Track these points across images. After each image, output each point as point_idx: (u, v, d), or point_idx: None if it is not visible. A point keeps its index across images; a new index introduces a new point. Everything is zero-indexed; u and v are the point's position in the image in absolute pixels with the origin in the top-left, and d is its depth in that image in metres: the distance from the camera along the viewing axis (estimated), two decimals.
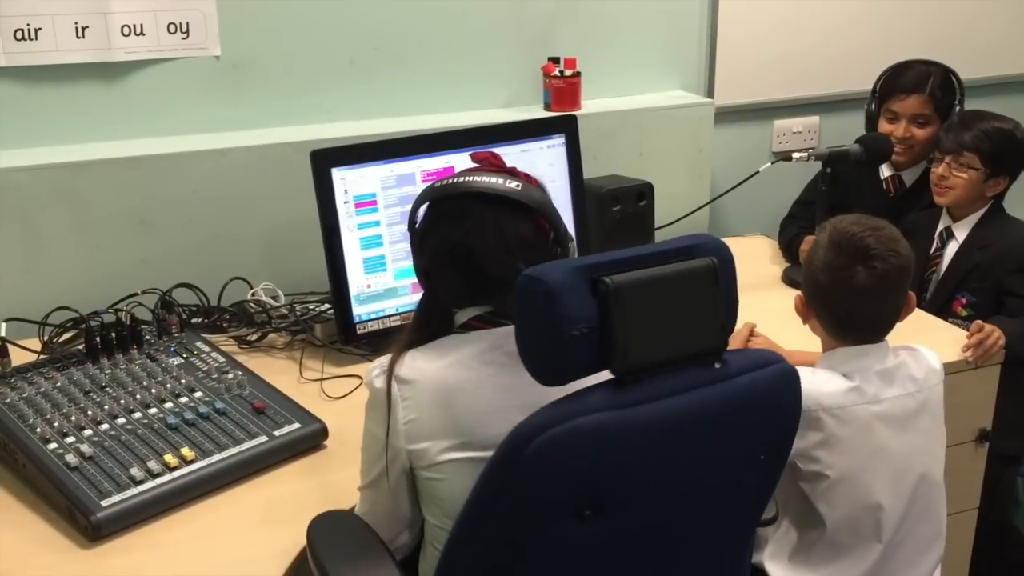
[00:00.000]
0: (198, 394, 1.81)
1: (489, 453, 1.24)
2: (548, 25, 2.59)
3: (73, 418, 1.71)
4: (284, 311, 2.20)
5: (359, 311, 2.09)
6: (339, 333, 2.09)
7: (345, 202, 2.05)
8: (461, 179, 1.44)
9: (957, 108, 2.50)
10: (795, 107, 2.95)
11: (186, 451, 1.66)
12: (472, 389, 1.36)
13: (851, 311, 1.71)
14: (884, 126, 2.55)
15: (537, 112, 2.57)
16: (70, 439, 1.67)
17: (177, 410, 1.76)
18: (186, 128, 2.34)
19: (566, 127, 2.26)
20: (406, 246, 2.09)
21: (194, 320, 2.15)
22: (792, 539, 1.75)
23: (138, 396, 1.79)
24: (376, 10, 2.42)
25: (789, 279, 2.46)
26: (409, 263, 2.10)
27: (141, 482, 1.59)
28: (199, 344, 1.97)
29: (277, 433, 1.74)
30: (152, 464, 1.62)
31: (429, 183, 1.51)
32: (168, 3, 2.25)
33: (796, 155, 2.37)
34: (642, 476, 1.25)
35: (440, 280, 1.47)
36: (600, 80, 2.65)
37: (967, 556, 2.24)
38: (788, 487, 1.75)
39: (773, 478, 1.43)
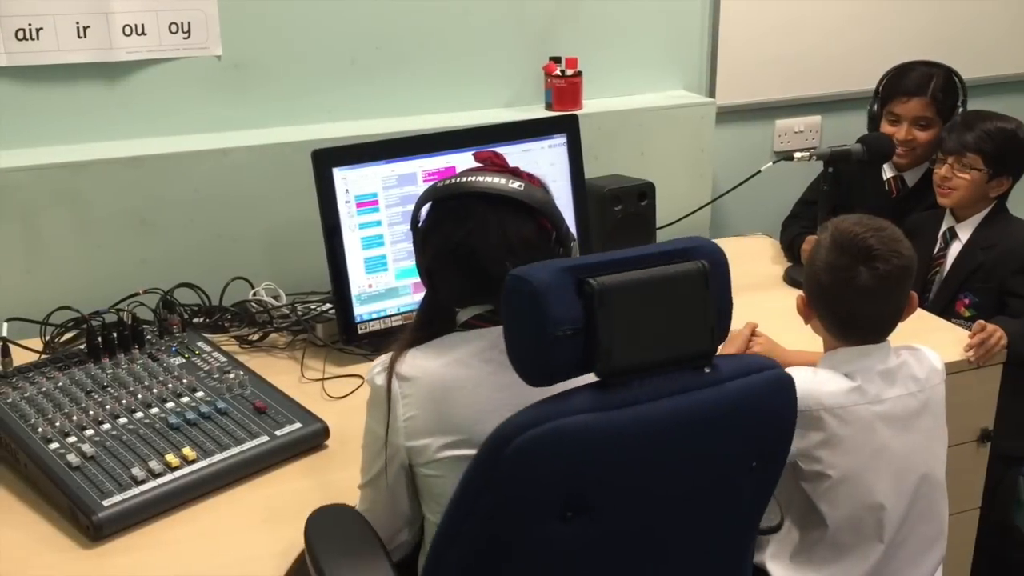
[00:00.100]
0: (199, 394, 1.81)
1: None
2: (549, 25, 2.59)
3: (75, 418, 1.71)
4: (285, 311, 2.20)
5: (360, 311, 2.09)
6: (340, 333, 2.09)
7: (346, 202, 2.05)
8: (464, 179, 1.44)
9: (960, 109, 2.50)
10: (797, 107, 2.95)
11: (187, 451, 1.66)
12: (471, 387, 1.36)
13: (853, 311, 1.71)
14: (886, 128, 2.54)
15: (538, 112, 2.57)
16: (72, 439, 1.67)
17: (178, 410, 1.76)
18: (187, 128, 2.34)
19: (567, 127, 2.26)
20: (407, 246, 2.10)
21: (195, 320, 2.15)
22: (794, 539, 1.75)
23: (139, 396, 1.79)
24: (377, 10, 2.42)
25: (791, 279, 2.46)
26: (410, 263, 2.11)
27: (143, 482, 1.59)
28: (200, 344, 1.97)
29: (278, 433, 1.74)
30: (153, 464, 1.62)
31: (432, 183, 1.51)
32: (169, 3, 2.25)
33: (798, 155, 2.37)
34: (627, 479, 1.24)
35: (442, 280, 1.47)
36: (601, 80, 2.65)
37: (969, 556, 2.24)
38: (790, 487, 1.75)
39: (767, 486, 1.40)
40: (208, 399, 1.80)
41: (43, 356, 1.96)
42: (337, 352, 2.09)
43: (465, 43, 2.52)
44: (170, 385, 1.82)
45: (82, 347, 1.91)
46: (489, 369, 1.37)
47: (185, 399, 1.79)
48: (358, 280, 2.08)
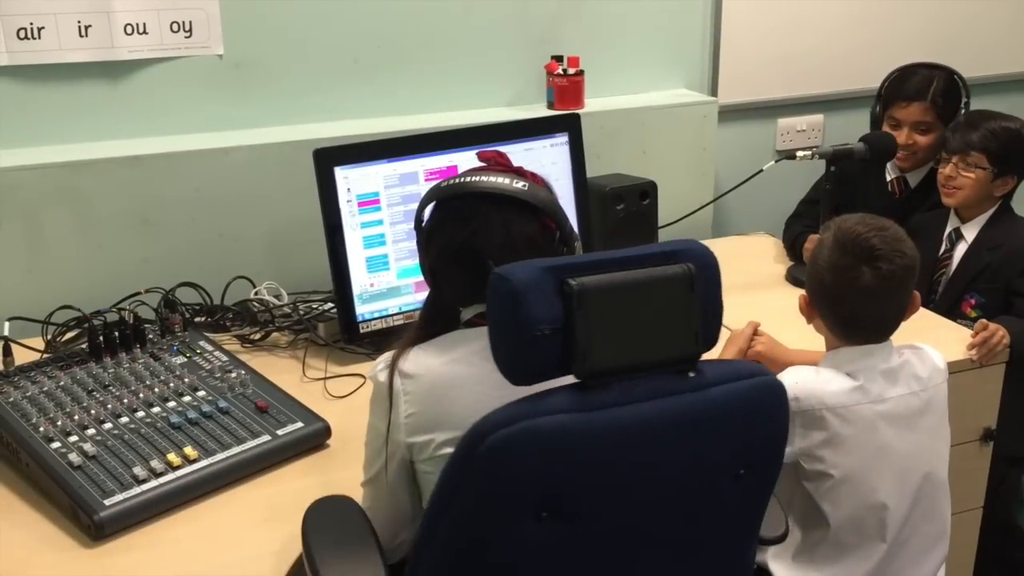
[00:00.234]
0: (201, 393, 1.81)
1: None
2: (551, 23, 2.58)
3: (76, 417, 1.71)
4: (287, 310, 2.20)
5: (362, 310, 2.08)
6: (342, 332, 2.09)
7: (348, 201, 2.05)
8: (468, 179, 1.44)
9: (962, 111, 2.49)
10: (799, 105, 2.94)
11: (189, 450, 1.66)
12: (471, 384, 1.36)
13: (856, 311, 1.71)
14: (887, 131, 2.54)
15: (540, 111, 2.56)
16: (73, 438, 1.67)
17: (180, 409, 1.76)
18: (189, 127, 2.34)
19: (569, 126, 2.25)
20: (409, 245, 2.10)
21: (197, 319, 2.15)
22: (796, 538, 1.74)
23: (141, 395, 1.79)
24: (379, 9, 2.42)
25: (793, 278, 2.46)
26: (412, 262, 2.11)
27: (144, 481, 1.59)
28: (202, 343, 1.97)
29: (280, 432, 1.74)
30: (155, 463, 1.62)
31: (436, 182, 1.51)
32: (171, 2, 2.25)
33: (800, 153, 2.36)
34: (605, 481, 1.23)
35: (446, 279, 1.47)
36: (603, 78, 2.64)
37: (971, 555, 2.24)
38: (792, 487, 1.74)
39: (759, 494, 1.38)
40: (210, 398, 1.80)
41: (45, 355, 1.96)
42: (339, 351, 2.09)
43: (467, 42, 2.52)
44: (172, 384, 1.82)
45: (84, 346, 1.91)
46: (490, 367, 1.36)
47: (187, 398, 1.79)
48: (360, 279, 2.07)
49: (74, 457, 1.62)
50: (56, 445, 1.64)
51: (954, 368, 1.93)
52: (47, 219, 2.17)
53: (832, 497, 1.70)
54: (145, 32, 2.25)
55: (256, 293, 2.23)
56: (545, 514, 1.21)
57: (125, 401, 1.76)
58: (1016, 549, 2.39)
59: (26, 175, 2.14)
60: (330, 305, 2.18)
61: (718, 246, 2.86)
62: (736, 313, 2.12)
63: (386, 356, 1.44)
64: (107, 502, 1.54)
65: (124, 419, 1.72)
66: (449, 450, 1.36)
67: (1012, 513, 2.38)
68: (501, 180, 1.42)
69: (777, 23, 2.81)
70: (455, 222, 1.44)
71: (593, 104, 2.60)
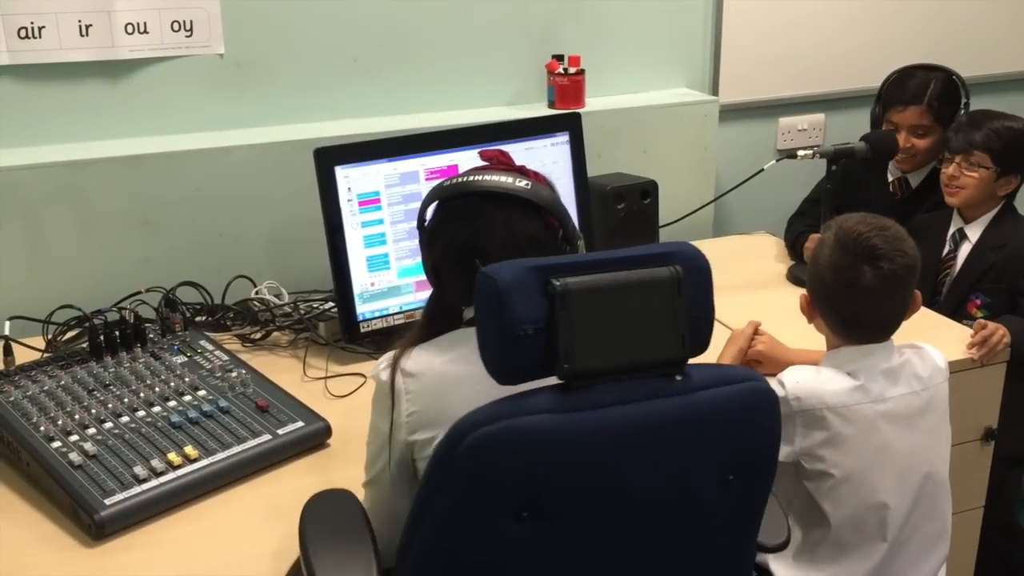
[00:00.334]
0: (202, 392, 1.81)
1: None
2: (552, 22, 2.58)
3: (77, 416, 1.71)
4: (288, 309, 2.20)
5: (363, 309, 2.08)
6: (343, 331, 2.09)
7: (349, 200, 2.05)
8: (470, 178, 1.44)
9: (962, 112, 2.48)
10: (800, 104, 2.94)
11: (189, 449, 1.66)
12: (473, 383, 1.36)
13: (857, 311, 1.71)
14: None
15: (541, 110, 2.56)
16: (74, 437, 1.67)
17: (181, 408, 1.76)
18: (190, 126, 2.34)
19: (570, 125, 2.25)
20: (410, 244, 2.10)
21: (198, 318, 2.14)
22: (797, 538, 1.74)
23: (142, 394, 1.79)
24: (380, 8, 2.42)
25: (794, 277, 2.46)
26: (412, 261, 2.11)
27: (145, 480, 1.59)
28: (203, 342, 1.96)
29: (280, 432, 1.73)
30: (156, 462, 1.62)
31: (438, 181, 1.51)
32: (172, 1, 2.25)
33: (801, 153, 2.36)
34: (586, 482, 1.23)
35: (449, 278, 1.47)
36: (604, 78, 2.64)
37: (972, 555, 2.24)
38: (792, 486, 1.74)
39: (751, 500, 1.36)
40: (210, 398, 1.80)
41: (45, 355, 1.96)
42: (339, 351, 2.09)
43: (468, 41, 2.52)
44: (172, 383, 1.82)
45: (84, 346, 1.91)
46: None
47: (187, 397, 1.79)
48: (360, 278, 2.07)
49: (75, 456, 1.62)
50: (57, 444, 1.64)
51: (955, 367, 1.92)
52: (48, 218, 2.17)
53: (833, 497, 1.70)
54: (146, 31, 2.25)
55: (257, 292, 2.23)
56: (526, 514, 1.21)
57: (126, 400, 1.76)
58: (1017, 549, 2.39)
59: (27, 174, 2.14)
60: (331, 304, 2.18)
61: (719, 245, 2.88)
62: (737, 312, 2.13)
63: (389, 355, 1.44)
64: (108, 501, 1.54)
65: (125, 418, 1.72)
66: None
67: (1013, 513, 2.38)
68: (504, 179, 1.42)
69: (778, 22, 2.81)
70: (458, 221, 1.44)
71: (594, 103, 2.60)
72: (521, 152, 2.14)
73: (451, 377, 1.38)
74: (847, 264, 1.68)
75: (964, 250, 2.38)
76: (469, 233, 1.42)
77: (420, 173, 2.11)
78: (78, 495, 1.55)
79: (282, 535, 1.51)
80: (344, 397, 1.93)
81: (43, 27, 2.16)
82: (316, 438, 1.76)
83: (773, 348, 1.98)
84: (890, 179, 2.62)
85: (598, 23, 2.63)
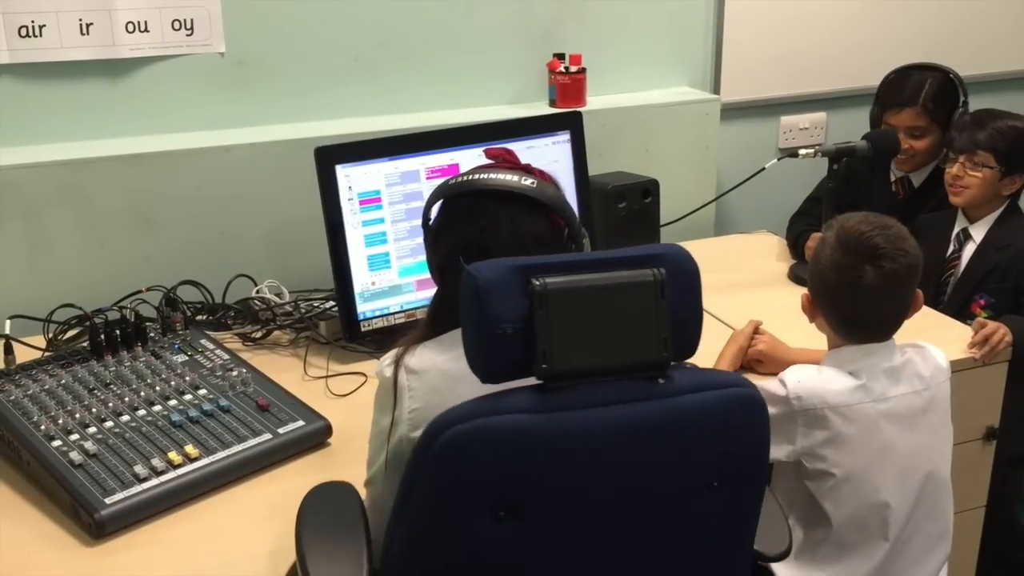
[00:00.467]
0: (202, 391, 1.81)
1: None
2: (553, 21, 2.58)
3: (77, 415, 1.71)
4: (288, 308, 2.20)
5: (363, 308, 2.08)
6: (343, 330, 2.09)
7: (349, 199, 2.04)
8: (476, 176, 1.44)
9: (960, 111, 2.48)
10: (802, 103, 2.94)
11: (190, 448, 1.65)
12: (474, 381, 1.35)
13: (858, 310, 1.70)
14: None
15: (542, 108, 2.56)
16: (74, 436, 1.66)
17: (181, 407, 1.76)
18: (190, 125, 2.34)
19: (571, 123, 2.25)
20: (410, 243, 2.10)
21: (198, 317, 2.14)
22: (798, 538, 1.74)
23: (142, 393, 1.78)
24: (380, 7, 2.41)
25: (795, 276, 2.45)
26: (413, 260, 2.11)
27: (145, 479, 1.59)
28: (203, 341, 1.96)
29: (281, 431, 1.73)
30: (156, 462, 1.62)
31: (444, 179, 1.50)
32: (173, 0, 2.24)
33: (803, 151, 2.36)
34: (565, 483, 1.22)
35: (454, 277, 1.46)
36: (605, 76, 2.64)
37: (974, 554, 2.24)
38: (794, 485, 1.74)
39: (741, 507, 1.34)
40: (211, 396, 1.80)
41: (46, 353, 1.96)
42: (340, 350, 2.09)
43: (469, 40, 2.52)
44: (173, 382, 1.82)
45: (85, 344, 1.91)
46: None
47: (188, 396, 1.79)
48: (361, 277, 2.07)
49: (75, 455, 1.61)
50: (57, 443, 1.64)
51: (957, 367, 1.92)
52: (48, 217, 2.17)
53: (834, 496, 1.70)
54: (147, 30, 2.24)
55: (257, 291, 2.23)
56: (503, 513, 1.20)
57: (126, 399, 1.76)
58: (1018, 549, 2.38)
59: (27, 173, 2.14)
60: (331, 303, 2.18)
61: (720, 244, 2.88)
62: (738, 311, 2.13)
63: (393, 352, 1.44)
64: (108, 500, 1.54)
65: (125, 417, 1.72)
66: None
67: (1014, 513, 2.38)
68: (509, 177, 1.42)
69: (779, 21, 2.81)
70: (464, 219, 1.44)
71: (595, 102, 2.59)
72: (522, 151, 2.11)
73: (454, 375, 1.38)
74: (849, 263, 1.67)
75: (968, 250, 2.37)
76: (475, 231, 1.42)
77: (421, 172, 2.11)
78: (78, 494, 1.54)
79: (282, 534, 1.51)
80: (345, 396, 1.93)
81: (44, 26, 2.16)
82: (317, 437, 1.76)
83: (774, 347, 1.97)
84: (892, 179, 2.61)
85: (599, 22, 2.62)
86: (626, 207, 2.34)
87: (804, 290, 1.81)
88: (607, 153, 2.52)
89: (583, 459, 1.21)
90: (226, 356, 1.92)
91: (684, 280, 1.25)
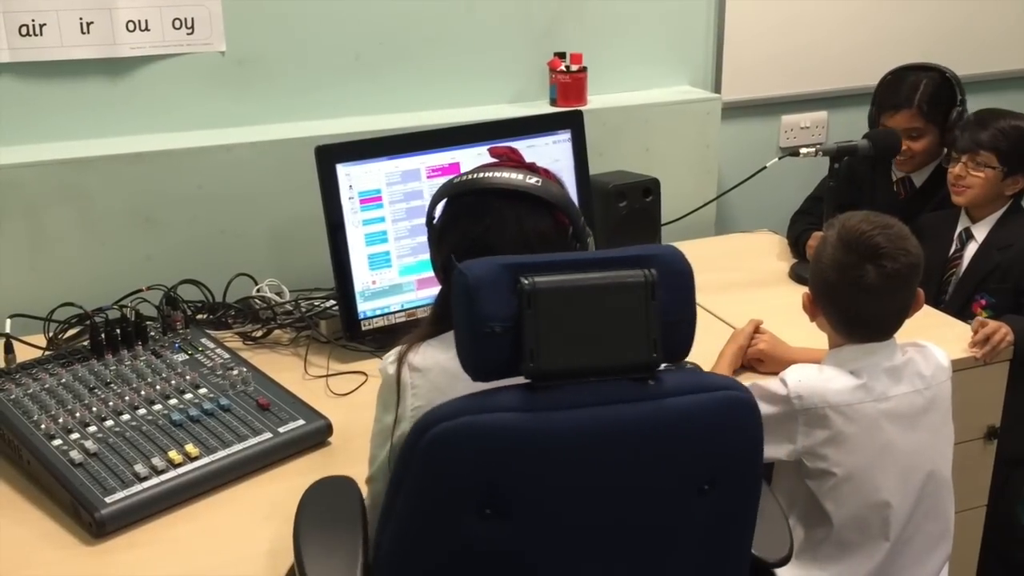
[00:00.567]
0: (202, 390, 1.81)
1: None
2: (554, 20, 2.58)
3: (77, 414, 1.71)
4: (289, 307, 2.20)
5: (364, 307, 2.08)
6: (344, 329, 2.09)
7: (350, 198, 2.04)
8: (481, 175, 1.44)
9: (957, 110, 2.47)
10: (803, 102, 2.93)
11: (190, 448, 1.65)
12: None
13: (860, 310, 1.70)
14: None
15: (543, 107, 2.56)
16: (74, 435, 1.66)
17: (181, 406, 1.76)
18: (191, 124, 2.34)
19: (572, 122, 2.25)
20: (411, 242, 2.10)
21: (199, 316, 2.14)
22: (799, 537, 1.74)
23: (143, 392, 1.78)
24: (381, 6, 2.41)
25: (796, 275, 2.45)
26: (414, 259, 2.11)
27: (145, 479, 1.59)
28: (204, 340, 1.96)
29: (282, 430, 1.73)
30: (156, 461, 1.62)
31: (448, 178, 1.50)
32: None
33: (804, 150, 2.35)
34: (552, 483, 1.22)
35: None
36: (606, 75, 2.64)
37: (975, 554, 2.23)
38: (795, 485, 1.74)
39: (733, 511, 1.32)
40: (211, 396, 1.80)
41: (47, 352, 1.96)
42: (340, 349, 2.09)
43: (469, 38, 2.51)
44: (173, 382, 1.82)
45: (85, 343, 1.91)
46: None
47: (188, 396, 1.79)
48: (362, 276, 2.07)
49: (75, 454, 1.61)
50: (57, 442, 1.64)
51: (958, 366, 1.92)
52: (49, 216, 2.17)
53: (835, 496, 1.69)
54: (147, 29, 2.24)
55: (258, 290, 2.23)
56: (489, 511, 1.20)
57: (127, 398, 1.76)
58: (1019, 549, 2.38)
59: (28, 172, 2.14)
60: (332, 302, 2.18)
61: (721, 243, 2.88)
62: (739, 311, 2.13)
63: (397, 349, 1.44)
64: (108, 499, 1.54)
65: (125, 416, 1.72)
66: None
67: (1015, 512, 2.38)
68: (514, 176, 1.42)
69: (780, 20, 2.80)
70: (468, 218, 1.44)
71: (596, 101, 2.59)
72: (523, 150, 2.09)
73: (456, 373, 1.37)
74: (850, 263, 1.67)
75: (970, 249, 2.37)
76: (479, 230, 1.42)
77: (422, 171, 2.10)
78: (79, 493, 1.54)
79: (283, 533, 1.51)
80: (345, 395, 1.93)
81: (44, 24, 2.16)
82: (317, 436, 1.76)
83: (775, 347, 1.97)
84: (893, 179, 2.61)
85: (600, 21, 2.62)
86: (627, 206, 2.34)
87: (805, 289, 1.80)
88: (608, 152, 2.52)
89: (570, 459, 1.21)
90: (226, 355, 1.92)
91: (677, 281, 1.24)
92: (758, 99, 2.87)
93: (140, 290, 2.09)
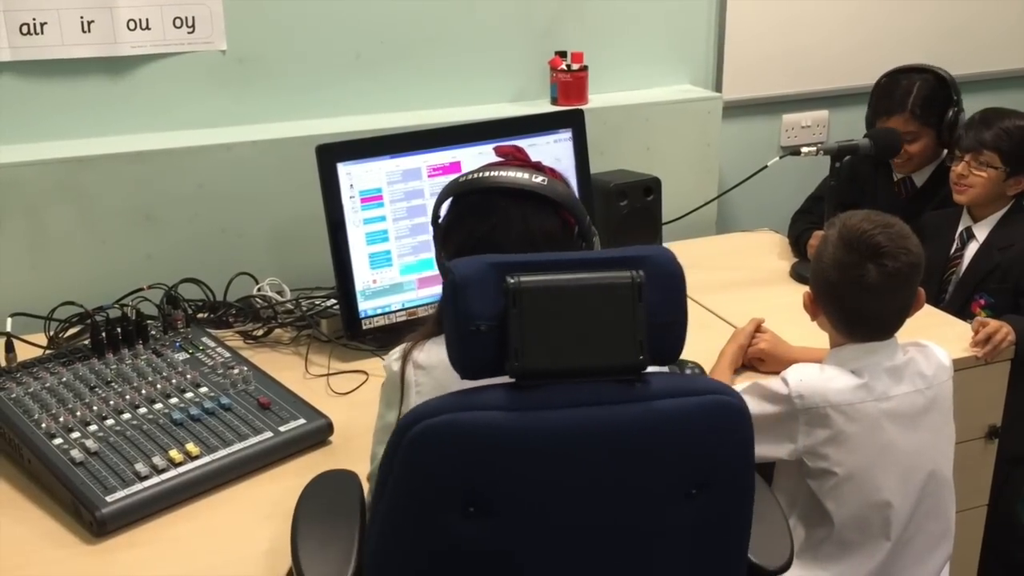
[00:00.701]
0: (203, 389, 1.81)
1: None
2: (555, 19, 2.58)
3: (78, 413, 1.71)
4: (290, 306, 2.20)
5: (365, 306, 2.08)
6: (345, 328, 2.09)
7: (351, 197, 2.04)
8: (487, 174, 1.44)
9: (953, 111, 2.47)
10: (804, 101, 2.93)
11: (191, 447, 1.65)
12: None
13: (861, 309, 1.70)
14: None
15: (544, 106, 2.56)
16: (75, 434, 1.66)
17: (182, 405, 1.76)
18: (192, 123, 2.34)
19: (573, 121, 2.25)
20: (412, 241, 2.10)
21: (200, 315, 2.14)
22: (800, 537, 1.74)
23: (143, 391, 1.78)
24: (382, 4, 2.41)
25: (797, 274, 2.45)
26: (415, 258, 2.11)
27: (146, 478, 1.59)
28: (204, 339, 1.96)
29: (282, 429, 1.73)
30: (157, 460, 1.62)
31: (454, 177, 1.50)
32: None
33: (805, 149, 2.35)
34: (535, 483, 1.21)
35: None
36: (607, 74, 2.64)
37: (976, 553, 2.23)
38: (796, 484, 1.74)
39: (723, 516, 1.30)
40: (212, 395, 1.79)
41: (47, 351, 1.96)
42: (341, 348, 2.09)
43: (470, 37, 2.51)
44: (174, 381, 1.82)
45: (86, 342, 1.91)
46: None
47: (189, 395, 1.79)
48: (362, 275, 2.07)
49: (76, 453, 1.61)
50: (58, 441, 1.64)
51: (959, 365, 1.92)
52: (50, 215, 2.17)
53: (836, 495, 1.69)
54: (148, 28, 2.24)
55: (259, 289, 2.23)
56: (472, 509, 1.20)
57: (127, 397, 1.76)
58: (1020, 548, 2.38)
59: (28, 171, 2.14)
60: (333, 301, 2.18)
61: (722, 242, 2.87)
62: (740, 310, 2.13)
63: (401, 347, 1.45)
64: (109, 498, 1.54)
65: (126, 415, 1.72)
66: None
67: (1016, 512, 2.38)
68: (520, 175, 1.42)
69: (781, 19, 2.80)
70: (474, 217, 1.44)
71: (597, 100, 2.59)
72: (525, 149, 2.13)
73: None
74: (851, 262, 1.67)
75: (971, 249, 2.36)
76: (485, 229, 1.42)
77: (423, 170, 2.10)
78: (79, 492, 1.54)
79: (283, 533, 1.50)
80: (346, 394, 1.93)
81: (45, 23, 2.16)
82: (318, 435, 1.76)
83: (776, 346, 1.97)
84: (895, 179, 2.61)
85: (601, 20, 2.62)
86: (628, 205, 2.34)
87: (806, 288, 1.80)
88: (609, 151, 2.52)
89: (555, 459, 1.21)
90: (227, 354, 1.92)
91: (667, 283, 1.23)
92: (759, 98, 2.86)
93: (141, 289, 2.09)
